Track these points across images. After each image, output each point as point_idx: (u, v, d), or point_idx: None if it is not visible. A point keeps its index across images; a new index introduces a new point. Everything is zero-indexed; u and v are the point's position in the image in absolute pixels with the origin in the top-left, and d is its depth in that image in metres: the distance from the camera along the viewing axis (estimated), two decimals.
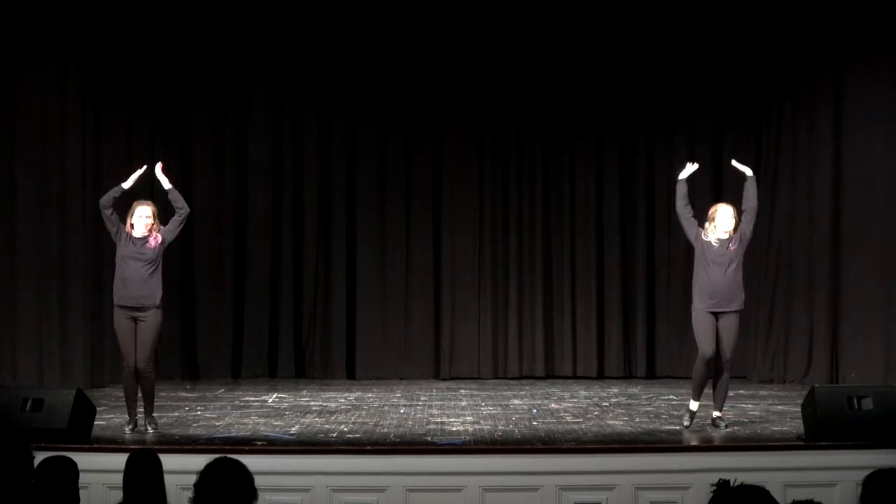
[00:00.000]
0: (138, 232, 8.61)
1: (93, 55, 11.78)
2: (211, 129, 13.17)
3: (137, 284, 8.54)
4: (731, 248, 8.76)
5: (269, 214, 13.21)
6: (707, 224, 8.85)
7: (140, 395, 8.67)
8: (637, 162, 13.36)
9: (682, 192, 9.07)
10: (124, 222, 8.68)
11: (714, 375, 8.82)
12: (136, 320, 8.56)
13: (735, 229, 8.80)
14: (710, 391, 8.91)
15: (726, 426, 8.63)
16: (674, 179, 13.13)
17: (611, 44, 13.11)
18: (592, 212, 13.32)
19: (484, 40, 13.08)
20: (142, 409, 8.64)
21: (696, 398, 8.81)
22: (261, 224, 13.21)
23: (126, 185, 8.83)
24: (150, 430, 8.55)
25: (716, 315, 8.75)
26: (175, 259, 12.82)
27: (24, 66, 11.38)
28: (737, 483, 4.49)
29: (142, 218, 8.60)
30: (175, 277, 12.76)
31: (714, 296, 8.71)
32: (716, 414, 8.73)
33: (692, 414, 8.80)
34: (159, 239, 8.67)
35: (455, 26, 13.04)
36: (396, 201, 13.33)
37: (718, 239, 8.74)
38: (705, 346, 8.70)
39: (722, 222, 8.78)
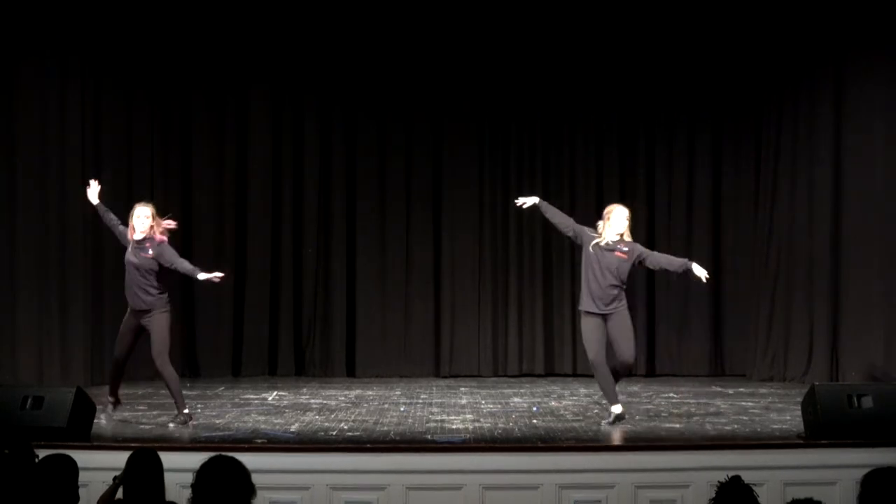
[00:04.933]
0: (139, 233, 8.84)
1: (93, 55, 11.79)
2: (211, 129, 13.18)
3: (134, 292, 8.83)
4: (617, 254, 8.91)
5: (268, 214, 13.22)
6: (601, 224, 8.95)
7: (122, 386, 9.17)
8: (637, 162, 13.38)
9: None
10: (126, 224, 8.96)
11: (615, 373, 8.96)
12: (141, 322, 8.84)
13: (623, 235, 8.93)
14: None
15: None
16: (674, 183, 13.31)
17: (611, 44, 13.12)
18: (592, 211, 13.26)
19: (484, 41, 13.09)
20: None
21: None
22: (261, 224, 13.22)
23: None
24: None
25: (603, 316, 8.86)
26: None
27: (25, 65, 11.39)
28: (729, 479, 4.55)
29: (140, 217, 8.85)
30: (175, 276, 12.75)
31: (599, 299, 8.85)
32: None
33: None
34: (157, 246, 8.80)
35: (455, 26, 13.05)
36: (396, 201, 13.34)
37: (608, 242, 8.84)
38: (591, 350, 8.82)
39: (616, 224, 8.91)
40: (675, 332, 13.23)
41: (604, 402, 10.44)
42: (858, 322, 11.77)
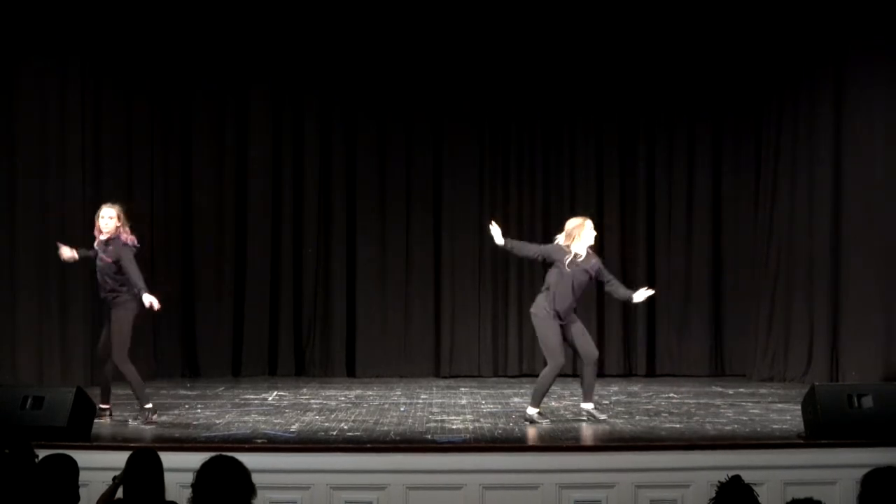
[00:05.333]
0: (104, 233, 8.94)
1: (93, 55, 11.78)
2: (211, 129, 13.18)
3: (100, 286, 9.01)
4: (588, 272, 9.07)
5: (268, 214, 13.23)
6: (561, 237, 9.08)
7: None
8: (637, 162, 13.39)
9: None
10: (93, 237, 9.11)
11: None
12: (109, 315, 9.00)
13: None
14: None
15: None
16: (674, 182, 13.32)
17: (611, 44, 13.12)
18: (593, 210, 13.31)
19: (484, 41, 13.09)
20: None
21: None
22: (261, 224, 13.22)
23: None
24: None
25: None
26: (175, 259, 12.85)
27: (25, 66, 11.38)
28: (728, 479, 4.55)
29: (104, 218, 8.94)
30: (175, 277, 12.79)
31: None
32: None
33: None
34: (118, 248, 8.86)
35: (455, 26, 13.05)
36: (396, 201, 13.34)
37: (581, 257, 9.00)
38: (559, 355, 8.95)
39: (587, 238, 9.04)
40: (675, 332, 13.23)
41: (605, 402, 10.47)
42: (858, 322, 11.77)
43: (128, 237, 8.90)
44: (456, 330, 13.24)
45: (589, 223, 9.08)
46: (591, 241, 9.06)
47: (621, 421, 9.20)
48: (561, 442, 8.06)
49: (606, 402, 10.58)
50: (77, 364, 11.34)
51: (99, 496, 5.34)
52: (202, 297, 13.07)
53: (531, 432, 8.60)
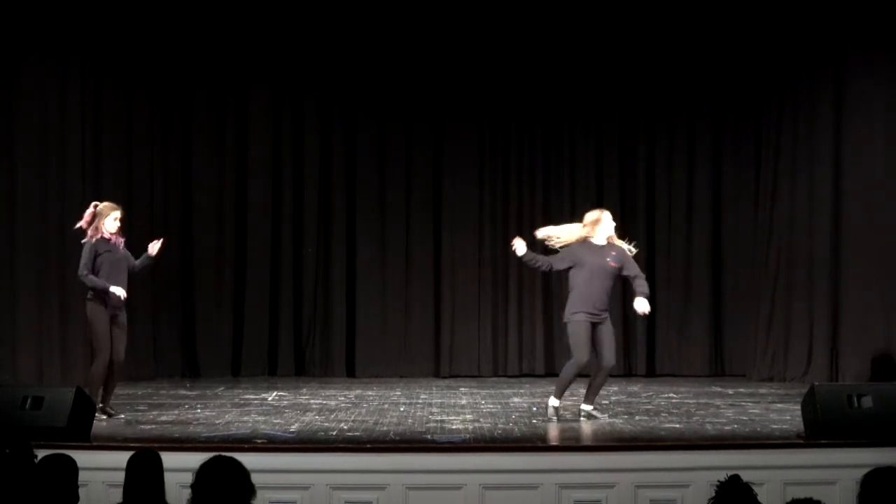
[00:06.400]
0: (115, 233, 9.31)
1: (93, 55, 11.80)
2: (211, 129, 13.19)
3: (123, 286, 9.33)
4: (611, 263, 9.07)
5: (268, 214, 13.23)
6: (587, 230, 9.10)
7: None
8: (637, 162, 13.39)
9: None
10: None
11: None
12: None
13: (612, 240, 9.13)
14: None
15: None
16: (674, 182, 13.32)
17: (611, 44, 13.12)
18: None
19: (484, 41, 13.09)
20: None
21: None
22: (261, 224, 13.23)
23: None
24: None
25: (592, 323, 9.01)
26: (175, 258, 12.84)
27: (25, 66, 11.39)
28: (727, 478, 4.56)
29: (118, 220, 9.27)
30: (175, 276, 12.81)
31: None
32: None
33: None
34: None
35: (455, 26, 13.05)
36: (396, 201, 13.34)
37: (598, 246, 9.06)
38: (584, 353, 8.92)
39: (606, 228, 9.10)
40: (675, 332, 13.24)
41: (604, 402, 10.48)
42: (858, 322, 11.77)
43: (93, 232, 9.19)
44: (456, 330, 13.24)
45: (606, 214, 9.18)
46: (611, 232, 9.10)
47: (621, 421, 9.19)
48: (561, 442, 8.06)
49: (606, 401, 10.59)
50: (77, 364, 11.34)
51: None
52: (202, 297, 13.07)
53: (532, 432, 8.60)
